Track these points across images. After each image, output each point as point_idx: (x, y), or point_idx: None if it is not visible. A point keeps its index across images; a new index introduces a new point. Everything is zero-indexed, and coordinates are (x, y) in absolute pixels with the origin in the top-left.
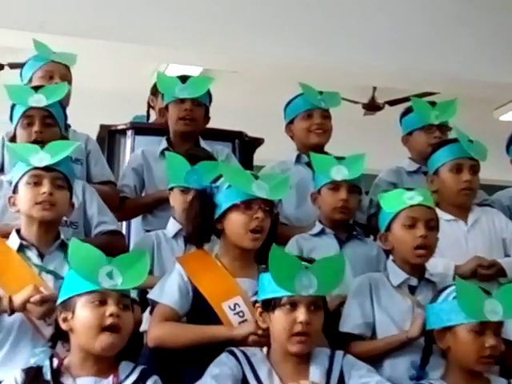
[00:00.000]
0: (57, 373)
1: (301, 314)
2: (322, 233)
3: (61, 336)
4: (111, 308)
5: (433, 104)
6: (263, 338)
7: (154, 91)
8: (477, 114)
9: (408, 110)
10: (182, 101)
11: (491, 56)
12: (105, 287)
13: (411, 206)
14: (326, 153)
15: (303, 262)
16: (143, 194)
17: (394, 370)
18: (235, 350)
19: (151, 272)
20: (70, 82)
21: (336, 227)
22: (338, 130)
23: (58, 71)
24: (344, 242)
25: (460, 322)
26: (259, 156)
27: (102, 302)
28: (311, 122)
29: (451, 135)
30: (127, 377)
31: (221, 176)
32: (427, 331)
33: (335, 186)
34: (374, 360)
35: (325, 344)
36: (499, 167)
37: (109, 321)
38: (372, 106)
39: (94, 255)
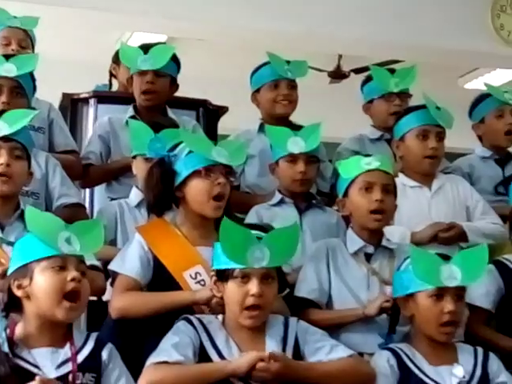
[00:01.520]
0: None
1: (253, 287)
2: (281, 202)
3: (14, 305)
4: (72, 273)
5: (392, 71)
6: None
7: (116, 60)
8: (442, 81)
9: (368, 79)
10: (145, 72)
11: (456, 23)
12: (64, 252)
13: (368, 171)
14: (291, 122)
15: (255, 232)
16: (109, 161)
17: (350, 340)
18: (192, 317)
19: (114, 241)
20: (29, 48)
21: (295, 196)
22: (303, 99)
23: (16, 37)
24: (303, 210)
25: (418, 289)
26: (224, 125)
27: (63, 268)
28: (277, 92)
29: (416, 102)
30: (83, 346)
31: (179, 144)
32: (394, 299)
33: (293, 158)
34: (331, 330)
35: (286, 312)
36: (464, 135)
37: (70, 286)
38: (338, 74)
39: (51, 221)
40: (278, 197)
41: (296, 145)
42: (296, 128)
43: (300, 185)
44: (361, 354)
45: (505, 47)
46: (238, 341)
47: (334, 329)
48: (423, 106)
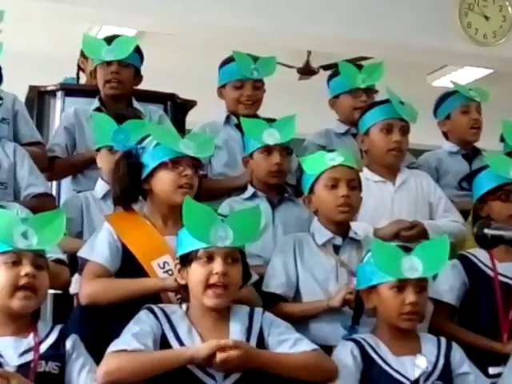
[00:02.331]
0: None
1: (217, 265)
2: (254, 196)
3: None
4: (26, 268)
5: (359, 67)
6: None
7: (84, 53)
8: (410, 79)
9: (335, 74)
10: (109, 63)
11: (424, 21)
12: (19, 247)
13: (333, 167)
14: (257, 116)
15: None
16: (75, 153)
17: (319, 331)
18: (154, 307)
19: (81, 234)
20: None
21: (268, 190)
22: (272, 95)
23: None
24: (276, 205)
25: (380, 280)
26: (192, 119)
27: (16, 263)
28: (241, 92)
29: (383, 96)
30: (47, 336)
31: (147, 137)
32: (357, 291)
33: (268, 149)
34: (299, 322)
35: (258, 301)
36: (432, 132)
37: (23, 281)
38: (307, 71)
39: (6, 216)
40: (250, 190)
41: (271, 136)
42: (268, 121)
43: (274, 176)
44: (330, 347)
45: (472, 45)
46: (201, 331)
47: (303, 321)
48: (387, 101)
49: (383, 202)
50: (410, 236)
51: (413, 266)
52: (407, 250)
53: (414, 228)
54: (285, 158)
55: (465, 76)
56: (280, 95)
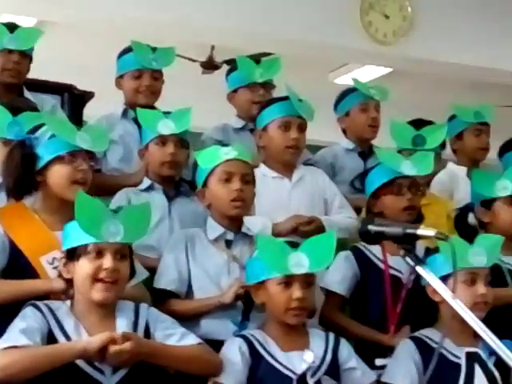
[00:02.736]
0: None
1: (107, 261)
2: (150, 188)
3: None
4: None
5: (257, 62)
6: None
7: None
8: (313, 76)
9: (233, 68)
10: (11, 51)
11: (326, 19)
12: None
13: (227, 161)
14: (154, 108)
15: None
16: None
17: (209, 327)
18: (39, 303)
19: None
20: None
21: (164, 183)
22: (176, 88)
23: None
24: (172, 198)
25: (267, 276)
26: (90, 111)
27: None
28: (140, 82)
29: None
30: None
31: (40, 126)
32: (246, 286)
33: (163, 140)
34: (191, 319)
35: (147, 300)
36: (334, 129)
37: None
38: (210, 65)
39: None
40: (147, 182)
41: (166, 127)
42: (165, 113)
43: (169, 167)
44: (222, 342)
45: (373, 44)
46: (87, 326)
47: (194, 318)
48: (286, 98)
49: (280, 197)
50: (307, 231)
51: (299, 261)
52: (294, 245)
53: (312, 223)
54: (179, 149)
55: (366, 74)
56: (184, 89)
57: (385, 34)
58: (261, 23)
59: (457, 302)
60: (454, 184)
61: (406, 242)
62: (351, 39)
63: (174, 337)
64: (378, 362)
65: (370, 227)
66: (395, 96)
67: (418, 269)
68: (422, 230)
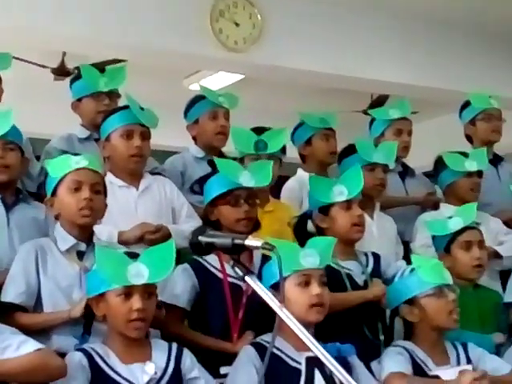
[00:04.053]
0: None
1: None
2: None
3: None
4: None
5: (102, 71)
6: None
7: None
8: (167, 82)
9: (77, 76)
10: None
11: (177, 26)
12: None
13: (77, 170)
14: None
15: None
16: None
17: (56, 341)
18: None
19: None
20: None
21: (3, 190)
22: (28, 94)
23: None
24: (11, 206)
25: (107, 288)
26: None
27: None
28: None
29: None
30: None
31: None
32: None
33: None
34: (39, 332)
35: None
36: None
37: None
38: (62, 72)
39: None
40: None
41: None
42: None
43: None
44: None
45: (224, 51)
46: None
47: (42, 332)
48: (127, 106)
49: (128, 206)
50: (154, 239)
51: (139, 272)
52: (133, 256)
53: (159, 232)
54: (7, 152)
55: (219, 81)
56: (36, 95)
57: (235, 42)
58: (111, 30)
59: (283, 311)
60: (303, 191)
61: (236, 253)
62: (202, 46)
63: (11, 347)
64: (223, 370)
65: (201, 238)
66: (249, 103)
67: (247, 278)
68: (249, 241)
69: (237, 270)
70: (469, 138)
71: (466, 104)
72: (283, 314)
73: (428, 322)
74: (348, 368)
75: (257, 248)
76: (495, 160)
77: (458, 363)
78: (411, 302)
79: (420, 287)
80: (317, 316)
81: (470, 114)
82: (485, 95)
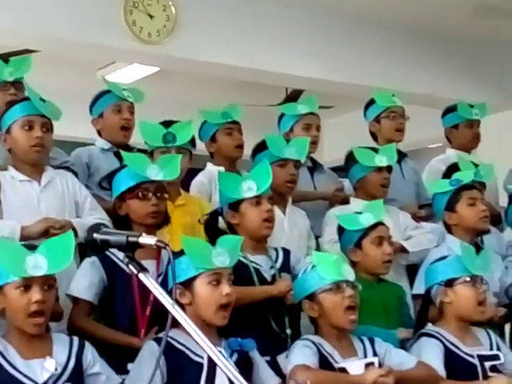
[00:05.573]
0: None
1: None
2: None
3: None
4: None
5: (6, 61)
6: None
7: None
8: (81, 73)
9: None
10: None
11: (91, 17)
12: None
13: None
14: None
15: None
16: None
17: None
18: None
19: None
20: None
21: None
22: None
23: None
24: None
25: (5, 281)
26: None
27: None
28: None
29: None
30: None
31: None
32: None
33: None
34: None
35: None
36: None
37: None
38: None
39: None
40: None
41: None
42: None
43: None
44: None
45: (138, 43)
46: None
47: None
48: (28, 98)
49: (30, 201)
50: (58, 234)
51: (37, 263)
52: (32, 248)
53: (64, 228)
54: None
55: (134, 72)
56: None
57: (149, 34)
58: (24, 21)
59: (178, 311)
60: (212, 185)
61: (131, 250)
62: (116, 38)
63: None
64: (131, 366)
65: (96, 235)
66: (165, 95)
67: (141, 276)
68: (143, 239)
69: (131, 267)
70: (373, 136)
71: (371, 102)
72: (175, 311)
73: (326, 319)
74: (249, 362)
75: (151, 246)
76: (399, 156)
77: (365, 356)
78: (311, 297)
79: (319, 283)
80: (222, 321)
81: (374, 112)
82: (388, 93)
